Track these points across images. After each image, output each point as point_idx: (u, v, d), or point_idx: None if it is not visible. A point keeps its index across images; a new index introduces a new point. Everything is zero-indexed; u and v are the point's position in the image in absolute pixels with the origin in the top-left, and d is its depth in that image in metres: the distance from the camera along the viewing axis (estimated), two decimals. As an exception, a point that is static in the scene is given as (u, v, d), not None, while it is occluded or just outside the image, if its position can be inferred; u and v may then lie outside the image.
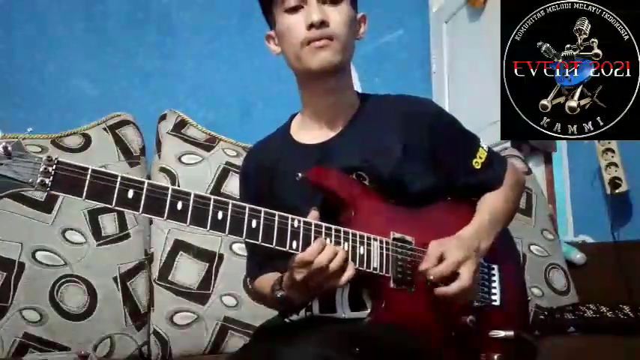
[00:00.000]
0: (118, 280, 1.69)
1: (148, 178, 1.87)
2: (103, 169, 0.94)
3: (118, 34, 2.57)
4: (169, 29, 2.66)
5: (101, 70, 2.53)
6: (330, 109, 1.25)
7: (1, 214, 1.63)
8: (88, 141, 1.83)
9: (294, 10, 1.19)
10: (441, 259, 1.11)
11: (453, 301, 1.12)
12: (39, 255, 1.64)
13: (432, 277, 1.10)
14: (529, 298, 1.81)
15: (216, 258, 1.76)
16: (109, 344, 1.64)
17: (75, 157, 1.77)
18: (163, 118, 1.96)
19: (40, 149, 1.75)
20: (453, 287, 1.10)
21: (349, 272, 1.04)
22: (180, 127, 1.94)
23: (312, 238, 1.05)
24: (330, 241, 1.06)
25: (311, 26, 1.17)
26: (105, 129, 1.87)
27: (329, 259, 1.02)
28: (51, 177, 0.89)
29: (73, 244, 1.68)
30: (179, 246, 1.76)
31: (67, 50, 2.49)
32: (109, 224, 1.73)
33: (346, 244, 1.08)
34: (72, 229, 1.69)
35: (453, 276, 1.11)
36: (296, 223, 1.04)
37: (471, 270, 1.11)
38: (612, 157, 2.23)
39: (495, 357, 1.16)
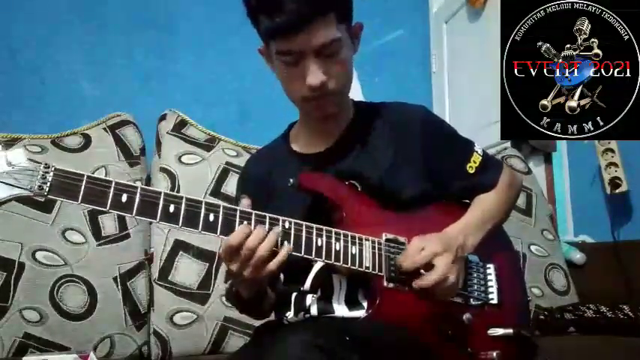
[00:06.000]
0: (118, 280, 1.69)
1: (148, 178, 1.87)
2: (98, 176, 0.98)
3: (118, 34, 2.57)
4: (169, 29, 2.66)
5: (101, 70, 2.53)
6: (327, 124, 1.27)
7: (1, 214, 1.63)
8: (88, 141, 1.83)
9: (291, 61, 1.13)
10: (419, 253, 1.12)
11: (433, 294, 1.11)
12: (39, 255, 1.64)
13: (403, 267, 1.10)
14: (529, 298, 1.80)
15: (217, 258, 1.76)
16: (109, 344, 1.64)
17: (75, 157, 1.77)
18: (163, 118, 1.96)
19: (40, 149, 1.75)
20: (428, 278, 1.10)
21: (281, 255, 1.03)
22: (180, 127, 1.94)
23: (304, 239, 1.06)
24: (322, 241, 1.07)
25: (309, 88, 1.14)
26: (105, 129, 1.87)
27: (257, 241, 1.01)
28: (48, 183, 0.94)
29: (73, 244, 1.68)
30: (179, 246, 1.76)
31: (67, 50, 2.49)
32: (108, 224, 1.73)
33: (337, 244, 1.09)
34: (72, 229, 1.69)
35: (429, 268, 1.11)
36: (287, 225, 1.05)
37: (446, 261, 1.11)
38: (612, 157, 2.23)
39: (494, 354, 1.16)
